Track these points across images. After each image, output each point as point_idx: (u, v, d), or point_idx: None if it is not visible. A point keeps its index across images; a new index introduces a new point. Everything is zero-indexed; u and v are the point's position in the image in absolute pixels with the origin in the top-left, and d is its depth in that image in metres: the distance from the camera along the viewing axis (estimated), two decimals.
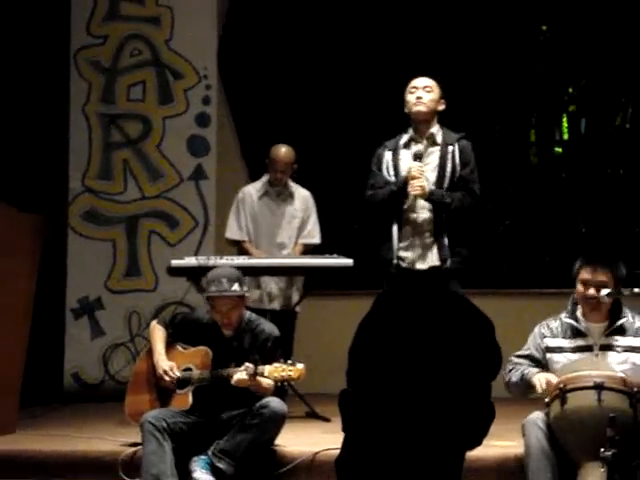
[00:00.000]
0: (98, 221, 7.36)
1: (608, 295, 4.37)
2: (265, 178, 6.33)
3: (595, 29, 7.68)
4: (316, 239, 6.32)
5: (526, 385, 4.38)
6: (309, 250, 6.27)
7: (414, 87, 5.24)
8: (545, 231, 7.72)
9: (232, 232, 6.32)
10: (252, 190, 6.34)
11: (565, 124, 7.97)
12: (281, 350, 4.90)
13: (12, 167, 6.98)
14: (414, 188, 5.04)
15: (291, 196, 6.30)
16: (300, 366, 4.67)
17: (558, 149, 8.04)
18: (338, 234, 7.43)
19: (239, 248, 6.26)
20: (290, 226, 6.27)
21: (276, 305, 6.18)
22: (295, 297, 6.27)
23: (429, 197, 5.09)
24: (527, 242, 7.74)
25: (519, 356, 4.50)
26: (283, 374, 4.64)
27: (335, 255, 5.85)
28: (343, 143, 7.63)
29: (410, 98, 5.23)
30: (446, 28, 7.62)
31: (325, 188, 7.53)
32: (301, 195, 6.33)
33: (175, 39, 7.44)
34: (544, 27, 7.99)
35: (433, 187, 5.12)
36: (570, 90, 8.00)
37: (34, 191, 6.85)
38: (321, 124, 7.65)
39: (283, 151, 6.20)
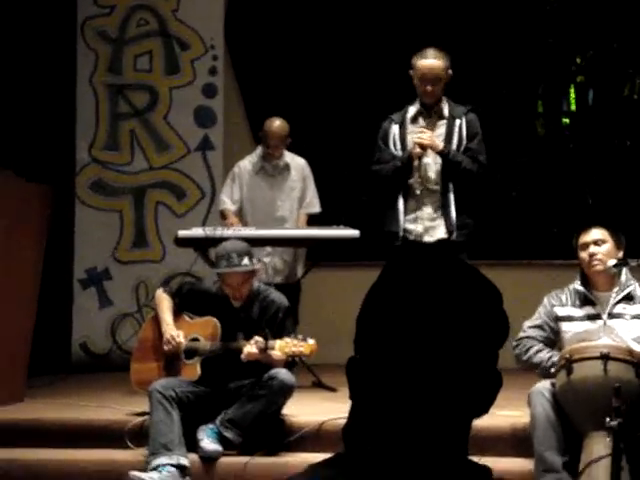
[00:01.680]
0: (105, 192, 7.36)
1: (615, 266, 4.37)
2: (259, 150, 6.28)
3: None
4: (317, 208, 6.29)
5: (553, 373, 4.35)
6: (311, 219, 6.25)
7: (424, 76, 5.07)
8: (552, 202, 7.69)
9: (221, 203, 6.33)
10: (248, 165, 6.27)
11: (573, 95, 7.92)
12: (291, 320, 4.89)
13: (20, 137, 6.96)
14: (423, 139, 5.01)
15: (287, 168, 6.24)
16: (311, 342, 4.65)
17: (565, 120, 8.00)
18: (344, 205, 7.42)
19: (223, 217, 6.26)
20: (290, 198, 6.23)
21: (280, 278, 6.17)
22: (299, 270, 6.26)
23: (442, 152, 5.06)
24: (534, 213, 7.71)
25: (531, 327, 4.50)
26: (294, 349, 4.62)
27: (341, 226, 5.84)
28: (351, 113, 7.59)
29: (421, 85, 5.10)
30: None
31: (331, 158, 7.52)
32: (297, 164, 6.27)
33: (182, 9, 7.39)
34: None
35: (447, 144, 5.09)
36: (578, 60, 7.95)
37: (41, 161, 6.84)
38: (328, 94, 7.61)
39: (277, 124, 6.13)
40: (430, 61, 5.10)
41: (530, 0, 7.75)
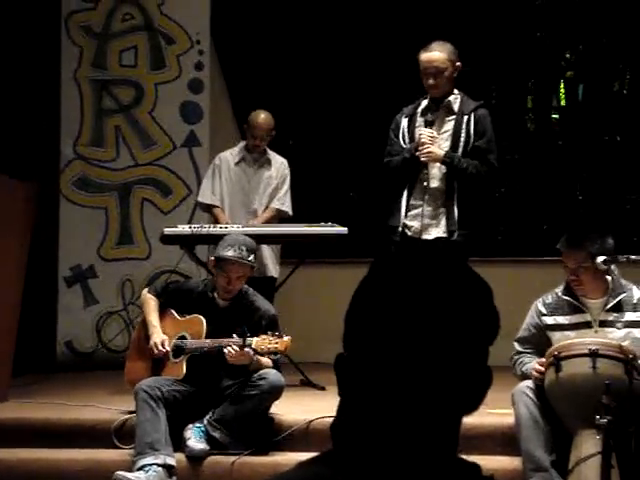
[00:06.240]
0: (90, 188, 7.29)
1: (604, 262, 4.28)
2: (242, 144, 6.27)
3: None
4: (286, 207, 6.18)
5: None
6: (282, 218, 6.17)
7: (425, 69, 4.98)
8: (542, 198, 7.67)
9: (204, 196, 6.26)
10: (229, 156, 6.26)
11: (562, 90, 7.90)
12: (276, 330, 4.78)
13: (3, 133, 6.90)
14: (423, 154, 4.93)
15: (268, 163, 6.22)
16: (286, 338, 4.61)
17: (555, 115, 7.98)
18: (333, 202, 7.38)
19: (210, 213, 6.23)
20: (265, 193, 6.20)
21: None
22: (270, 264, 6.16)
23: (444, 161, 4.95)
24: (524, 210, 7.69)
25: (519, 340, 4.44)
26: (270, 346, 4.59)
27: (329, 223, 5.79)
28: (339, 110, 7.55)
29: (424, 79, 5.01)
30: None
31: (319, 154, 7.48)
32: (278, 162, 6.24)
33: (168, 4, 7.33)
34: None
35: (450, 151, 4.96)
36: (567, 55, 7.93)
37: (25, 157, 6.79)
38: (316, 90, 7.57)
39: (262, 117, 6.12)
40: (429, 54, 4.99)
41: None
